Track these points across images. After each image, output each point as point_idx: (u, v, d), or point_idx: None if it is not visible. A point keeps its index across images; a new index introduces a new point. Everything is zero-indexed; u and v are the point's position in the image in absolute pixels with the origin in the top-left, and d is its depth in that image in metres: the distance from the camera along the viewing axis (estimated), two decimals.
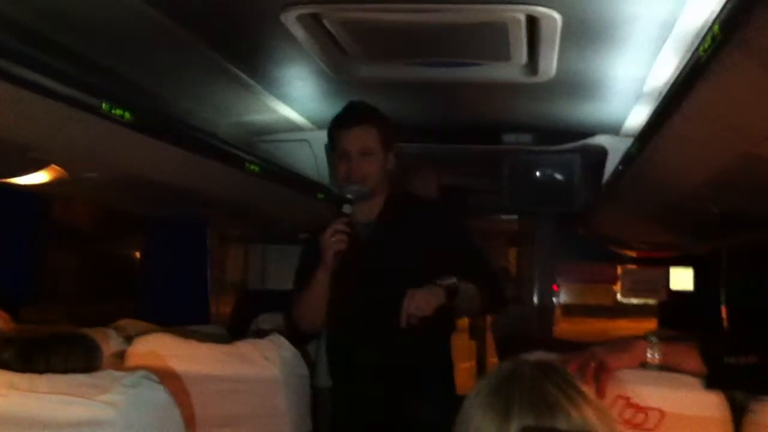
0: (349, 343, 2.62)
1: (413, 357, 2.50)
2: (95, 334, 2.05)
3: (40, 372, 1.48)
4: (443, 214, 2.77)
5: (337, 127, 2.59)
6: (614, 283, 5.78)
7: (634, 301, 5.79)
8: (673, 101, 2.10)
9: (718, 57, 1.59)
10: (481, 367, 5.75)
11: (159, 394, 1.46)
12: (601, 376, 1.59)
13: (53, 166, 2.36)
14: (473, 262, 2.64)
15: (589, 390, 1.56)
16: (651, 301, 5.58)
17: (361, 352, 2.57)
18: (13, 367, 1.54)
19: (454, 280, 2.47)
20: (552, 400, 1.16)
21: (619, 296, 5.65)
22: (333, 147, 2.61)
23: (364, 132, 2.54)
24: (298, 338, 2.68)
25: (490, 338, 5.68)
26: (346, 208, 2.50)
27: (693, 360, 1.63)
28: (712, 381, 1.60)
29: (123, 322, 2.77)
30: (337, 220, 2.47)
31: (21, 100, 1.89)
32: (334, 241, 2.45)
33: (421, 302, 2.40)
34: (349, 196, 2.51)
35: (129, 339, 2.29)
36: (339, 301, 2.54)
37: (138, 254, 4.27)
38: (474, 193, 4.96)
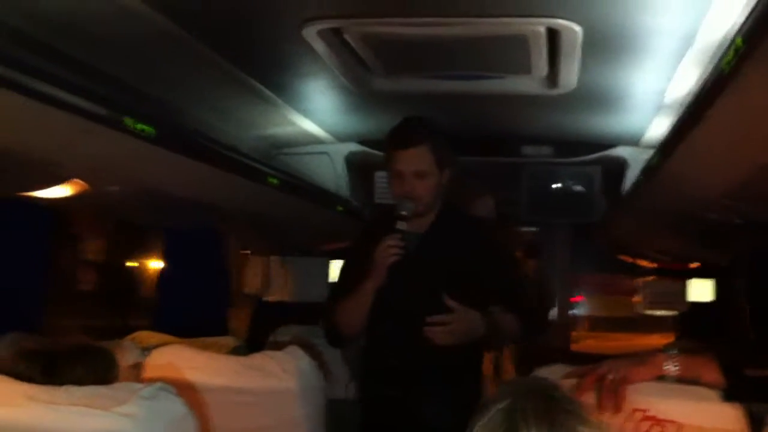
0: (384, 352, 2.65)
1: (445, 370, 2.52)
2: (112, 346, 2.07)
3: (58, 384, 1.49)
4: (491, 235, 2.81)
5: (391, 145, 2.61)
6: (633, 294, 5.74)
7: (657, 312, 5.75)
8: (694, 113, 2.09)
9: (740, 69, 1.58)
10: (497, 376, 5.71)
11: (176, 405, 1.47)
12: (618, 388, 1.58)
13: (75, 179, 2.38)
14: (515, 287, 2.70)
15: (604, 403, 1.57)
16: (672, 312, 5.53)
17: (395, 361, 2.60)
18: (33, 380, 1.55)
19: (497, 320, 2.54)
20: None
21: (639, 308, 5.60)
22: (387, 163, 2.63)
23: (418, 154, 2.56)
24: (336, 341, 2.73)
25: (507, 350, 5.64)
26: (401, 225, 2.54)
27: (712, 372, 1.62)
28: (731, 393, 1.59)
29: (140, 334, 2.80)
30: (392, 236, 2.52)
31: (44, 114, 1.90)
32: (387, 255, 2.51)
33: (456, 334, 2.47)
34: (403, 213, 2.56)
35: (146, 351, 2.31)
36: (381, 307, 2.58)
37: (155, 266, 4.28)
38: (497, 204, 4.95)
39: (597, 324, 8.47)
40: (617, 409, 1.57)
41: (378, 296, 2.57)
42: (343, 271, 2.79)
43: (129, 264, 4.69)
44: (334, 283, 2.82)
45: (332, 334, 2.72)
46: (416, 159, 2.55)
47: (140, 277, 4.56)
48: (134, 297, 4.43)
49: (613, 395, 1.58)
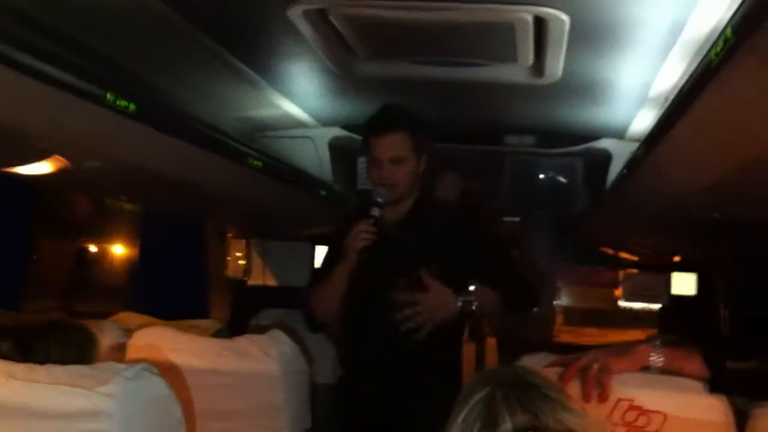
0: (360, 339, 2.66)
1: (422, 357, 2.52)
2: (94, 326, 2.06)
3: (38, 362, 1.48)
4: (470, 219, 2.86)
5: (369, 131, 2.61)
6: (615, 287, 5.78)
7: (636, 306, 5.79)
8: (680, 106, 2.09)
9: (730, 61, 1.58)
10: (480, 368, 5.73)
11: (158, 386, 1.46)
12: (603, 378, 1.59)
13: (56, 156, 2.35)
14: (498, 265, 2.68)
15: (589, 392, 1.57)
16: (654, 307, 5.58)
17: (371, 349, 2.61)
18: (12, 357, 1.54)
19: (471, 298, 2.54)
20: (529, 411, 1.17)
21: (620, 301, 5.64)
22: (365, 149, 2.63)
23: (395, 139, 2.56)
24: (313, 326, 2.74)
25: (490, 340, 5.67)
26: (375, 211, 2.55)
27: (695, 364, 1.63)
28: (714, 385, 1.60)
29: (122, 315, 2.78)
30: (364, 221, 2.53)
31: (25, 88, 1.87)
32: (358, 240, 2.51)
33: (425, 314, 2.48)
34: (378, 199, 2.56)
35: (129, 332, 2.29)
36: (356, 296, 2.59)
37: (134, 248, 4.25)
38: (476, 194, 4.95)
39: (571, 317, 8.42)
40: (602, 398, 1.58)
41: (354, 284, 2.58)
42: (324, 260, 2.80)
43: (107, 244, 4.65)
44: (316, 270, 2.82)
45: (309, 319, 2.74)
46: (393, 145, 2.56)
47: (119, 258, 4.52)
48: (113, 278, 4.39)
49: (597, 385, 1.59)
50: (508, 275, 2.67)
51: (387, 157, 2.56)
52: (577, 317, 8.28)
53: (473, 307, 2.55)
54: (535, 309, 5.23)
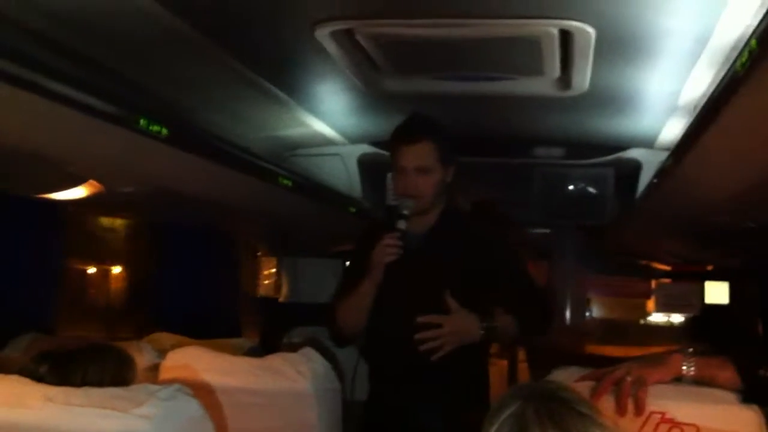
0: (386, 355, 2.62)
1: (448, 373, 2.51)
2: (129, 347, 2.08)
3: (75, 385, 1.50)
4: (495, 234, 2.76)
5: (395, 141, 2.57)
6: (647, 297, 5.72)
7: (658, 321, 5.72)
8: (709, 115, 2.08)
9: (755, 71, 1.57)
10: (512, 375, 5.71)
11: (192, 407, 1.48)
12: (638, 391, 1.57)
13: (91, 181, 2.39)
14: (517, 287, 2.64)
15: (624, 406, 1.56)
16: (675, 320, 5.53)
17: (397, 365, 2.58)
18: (49, 380, 1.56)
19: (494, 324, 2.51)
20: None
21: (652, 311, 5.59)
22: (393, 159, 2.59)
23: (421, 149, 2.52)
24: (339, 340, 2.72)
25: (521, 354, 5.64)
26: (401, 224, 2.51)
27: (727, 373, 1.61)
28: (747, 394, 1.58)
29: (156, 336, 2.81)
30: (390, 235, 2.49)
31: (60, 115, 1.92)
32: (384, 254, 2.48)
33: (446, 338, 2.44)
34: (404, 212, 2.52)
35: (163, 352, 2.31)
36: (382, 310, 2.56)
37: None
38: (505, 205, 4.94)
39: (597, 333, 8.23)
40: (638, 412, 1.56)
41: (379, 297, 2.55)
42: (347, 271, 2.79)
43: (141, 265, 4.70)
44: (339, 283, 2.80)
45: (334, 333, 2.71)
46: (419, 154, 2.52)
47: (152, 278, 4.57)
48: (146, 298, 4.44)
49: (632, 398, 1.57)
50: (526, 299, 2.63)
51: (413, 166, 2.52)
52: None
53: (494, 332, 2.52)
54: (569, 321, 5.24)
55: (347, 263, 2.86)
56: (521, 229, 5.13)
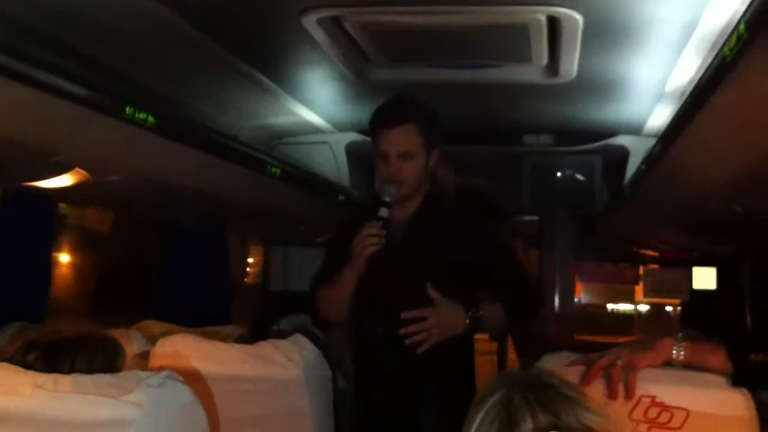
0: (370, 342, 2.59)
1: (433, 362, 2.48)
2: (118, 335, 2.07)
3: (65, 373, 1.50)
4: (480, 219, 2.68)
5: (376, 125, 2.48)
6: (636, 283, 5.76)
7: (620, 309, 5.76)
8: (696, 101, 2.09)
9: (743, 57, 1.58)
10: (501, 365, 5.74)
11: (183, 394, 1.48)
12: (628, 375, 1.58)
13: (77, 169, 2.38)
14: (505, 274, 2.60)
15: (615, 391, 1.57)
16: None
17: (381, 355, 2.55)
18: (39, 368, 1.56)
19: (480, 313, 2.47)
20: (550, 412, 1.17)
21: (641, 297, 5.63)
22: (373, 144, 2.50)
23: (404, 134, 2.43)
24: (319, 324, 2.69)
25: (510, 342, 5.67)
26: (383, 211, 2.43)
27: (718, 357, 1.62)
28: (737, 379, 1.59)
29: (146, 324, 2.80)
30: (372, 223, 2.42)
31: (45, 104, 1.91)
32: (366, 244, 2.41)
33: (432, 331, 2.41)
34: (386, 199, 2.45)
35: (152, 340, 2.31)
36: (364, 298, 2.51)
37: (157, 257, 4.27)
38: (495, 193, 4.95)
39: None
40: (629, 396, 1.57)
41: (361, 287, 2.48)
42: (327, 256, 2.68)
43: (130, 255, 4.69)
44: (320, 267, 2.70)
45: (315, 317, 2.66)
46: (402, 139, 2.42)
47: (142, 267, 4.56)
48: (136, 288, 4.43)
49: (621, 382, 1.58)
50: (513, 286, 2.58)
51: (395, 151, 2.42)
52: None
53: (481, 322, 2.48)
54: (558, 308, 5.26)
55: (326, 248, 2.77)
56: (511, 218, 5.15)
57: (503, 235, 2.84)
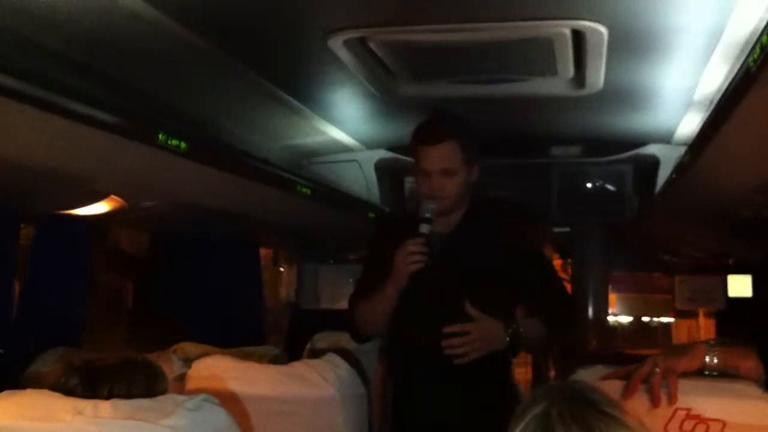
0: (411, 356, 2.60)
1: (472, 375, 2.48)
2: (156, 358, 2.11)
3: (105, 398, 1.52)
4: (523, 233, 2.70)
5: (418, 142, 2.51)
6: (670, 293, 5.70)
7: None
8: (724, 110, 2.08)
9: (766, 67, 1.58)
10: (536, 376, 5.70)
11: (220, 416, 1.50)
12: (668, 380, 1.58)
13: (112, 196, 2.43)
14: (547, 289, 2.60)
15: (658, 398, 1.56)
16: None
17: (423, 366, 2.55)
18: (79, 394, 1.59)
19: (519, 329, 2.46)
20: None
21: (677, 305, 5.56)
22: (415, 160, 2.53)
23: (445, 151, 2.46)
24: (359, 339, 2.69)
25: (548, 353, 5.63)
26: (424, 228, 2.45)
27: (750, 362, 1.61)
28: None
29: (182, 345, 2.83)
30: (414, 240, 2.43)
31: (80, 134, 1.95)
32: (409, 261, 2.42)
33: (474, 345, 2.41)
34: (427, 215, 2.46)
35: (188, 361, 2.34)
36: (405, 312, 2.52)
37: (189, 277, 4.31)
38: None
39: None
40: (672, 401, 1.57)
41: (402, 301, 2.49)
42: (365, 269, 2.69)
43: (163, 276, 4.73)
44: (357, 280, 2.72)
45: (354, 332, 2.66)
46: (443, 156, 2.46)
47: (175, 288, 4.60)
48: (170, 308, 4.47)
49: (663, 390, 1.58)
50: (555, 301, 2.59)
51: (437, 168, 2.46)
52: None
53: (520, 337, 2.47)
54: (592, 320, 5.22)
55: (365, 261, 2.78)
56: (548, 227, 5.13)
57: (543, 240, 2.84)
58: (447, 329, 2.42)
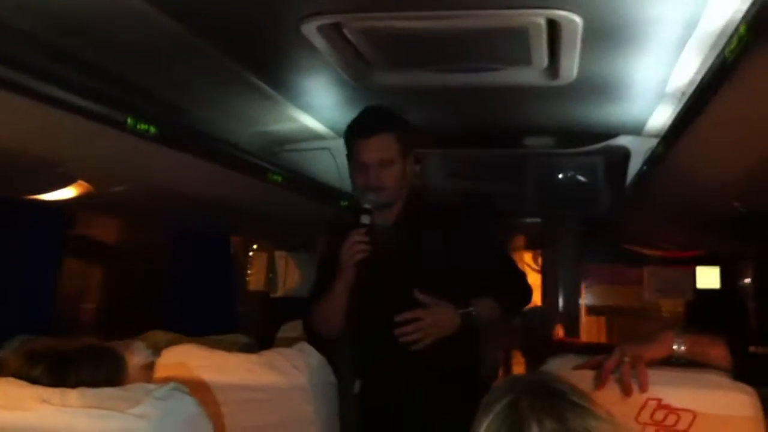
0: (369, 351, 2.62)
1: (434, 364, 2.49)
2: (123, 346, 2.08)
3: (70, 386, 1.50)
4: (460, 215, 2.71)
5: (353, 135, 2.54)
6: (639, 284, 5.76)
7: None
8: (698, 102, 2.10)
9: (744, 58, 1.58)
10: (507, 370, 5.74)
11: (190, 405, 1.48)
12: (638, 368, 1.59)
13: (80, 181, 2.39)
14: (492, 264, 2.62)
15: (629, 387, 1.57)
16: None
17: (380, 360, 2.57)
18: (43, 382, 1.56)
19: (471, 309, 2.49)
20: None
21: (645, 296, 5.62)
22: (350, 155, 2.57)
23: (381, 142, 2.49)
24: (317, 341, 2.69)
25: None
26: (365, 218, 2.48)
27: (718, 350, 1.63)
28: (737, 371, 1.59)
29: (151, 334, 2.80)
30: (356, 231, 2.46)
31: (47, 116, 1.91)
32: (353, 252, 2.45)
33: (427, 330, 2.43)
34: (367, 206, 2.49)
35: (158, 350, 2.31)
36: (358, 305, 2.54)
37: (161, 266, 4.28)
38: (498, 196, 4.96)
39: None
40: (643, 388, 1.57)
41: (354, 294, 2.52)
42: (317, 272, 2.72)
43: (134, 264, 4.70)
44: (313, 285, 2.74)
45: (312, 335, 2.67)
46: (380, 147, 2.48)
47: (147, 277, 4.57)
48: (142, 297, 4.44)
49: (633, 379, 1.58)
50: (500, 275, 2.61)
51: (374, 160, 2.48)
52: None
53: (473, 317, 2.49)
54: (562, 310, 5.26)
55: (317, 263, 2.79)
56: (513, 221, 5.15)
57: (491, 229, 2.84)
58: (398, 318, 2.44)
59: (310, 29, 2.42)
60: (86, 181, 2.40)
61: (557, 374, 1.44)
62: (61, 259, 3.15)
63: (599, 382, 1.60)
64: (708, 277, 5.11)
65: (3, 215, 2.78)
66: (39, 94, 1.83)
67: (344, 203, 4.21)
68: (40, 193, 2.47)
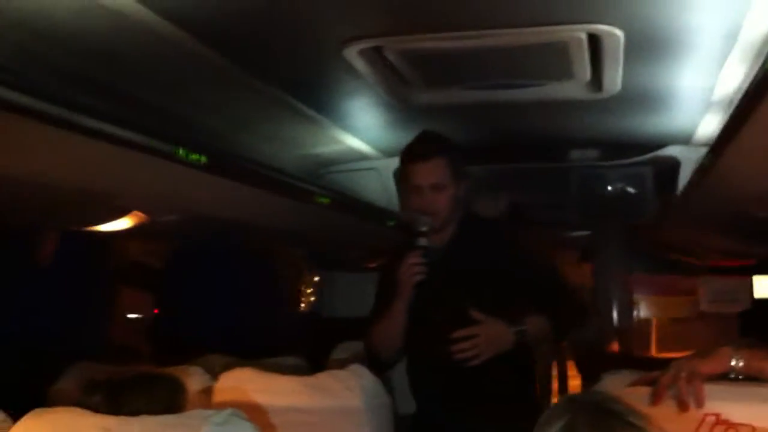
0: (425, 368, 2.65)
1: (489, 383, 2.51)
2: (180, 372, 2.12)
3: (128, 414, 1.53)
4: (513, 236, 2.77)
5: (408, 159, 2.61)
6: (693, 294, 5.65)
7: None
8: (743, 110, 2.07)
9: None
10: (562, 387, 5.68)
11: (247, 430, 1.50)
12: (695, 384, 1.57)
13: (135, 212, 2.44)
14: (544, 286, 2.65)
15: (686, 403, 1.55)
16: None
17: (437, 377, 2.59)
18: (102, 409, 1.60)
19: (524, 327, 2.53)
20: None
21: (702, 307, 5.51)
22: (404, 178, 2.63)
23: (435, 167, 2.57)
24: (378, 366, 2.73)
25: (570, 359, 5.60)
26: (422, 241, 2.55)
27: None
28: None
29: (207, 358, 2.84)
30: (413, 253, 2.53)
31: (100, 152, 1.97)
32: (411, 274, 2.51)
33: (482, 347, 2.47)
34: (422, 228, 2.56)
35: (213, 374, 2.35)
36: (414, 325, 2.59)
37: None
38: (543, 209, 4.93)
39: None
40: (699, 404, 1.56)
41: (410, 315, 2.58)
42: (377, 294, 2.80)
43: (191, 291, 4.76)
44: (373, 308, 2.80)
45: (372, 358, 2.72)
46: (434, 172, 2.56)
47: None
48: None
49: (690, 395, 1.57)
50: (554, 296, 2.64)
51: (428, 184, 2.56)
52: None
53: (526, 335, 2.54)
54: (616, 323, 5.19)
55: (377, 289, 2.85)
56: (553, 231, 5.11)
57: (538, 244, 2.87)
58: (455, 335, 2.48)
59: (352, 53, 2.45)
60: (141, 211, 2.46)
61: (612, 392, 1.43)
62: (112, 285, 3.22)
63: (655, 399, 1.58)
64: (766, 286, 4.99)
65: (59, 246, 2.86)
66: (93, 130, 1.88)
67: (392, 223, 4.23)
68: (96, 225, 2.53)
